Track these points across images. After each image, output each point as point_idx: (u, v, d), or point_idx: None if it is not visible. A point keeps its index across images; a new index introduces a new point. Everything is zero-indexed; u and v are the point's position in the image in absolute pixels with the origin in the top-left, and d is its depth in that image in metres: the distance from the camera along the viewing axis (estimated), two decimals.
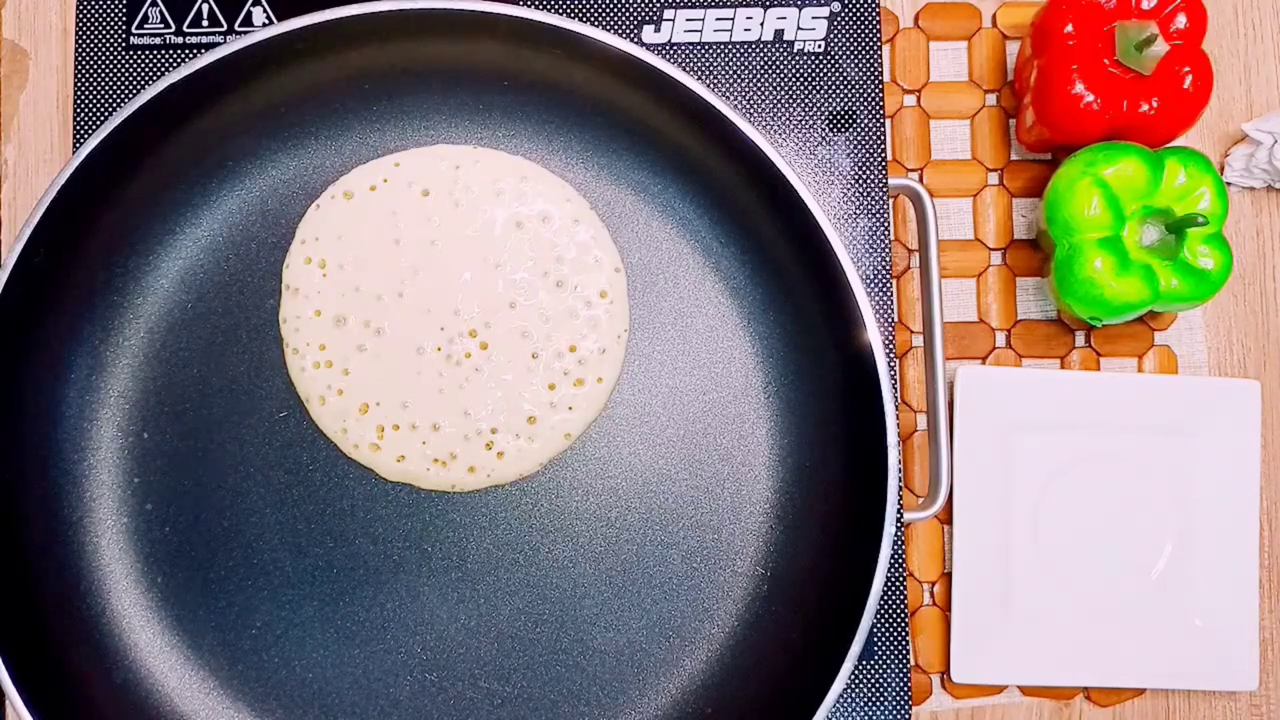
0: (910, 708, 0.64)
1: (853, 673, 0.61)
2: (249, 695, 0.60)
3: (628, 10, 0.66)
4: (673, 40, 0.66)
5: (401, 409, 0.61)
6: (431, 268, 0.61)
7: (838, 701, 0.62)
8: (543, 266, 0.62)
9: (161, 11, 0.66)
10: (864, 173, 0.65)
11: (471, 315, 0.61)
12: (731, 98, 0.66)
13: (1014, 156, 0.70)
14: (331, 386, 0.61)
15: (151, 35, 0.66)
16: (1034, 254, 0.69)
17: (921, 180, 0.69)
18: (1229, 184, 0.69)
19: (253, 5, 0.66)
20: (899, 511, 0.58)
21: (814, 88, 0.66)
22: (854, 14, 0.66)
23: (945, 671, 0.67)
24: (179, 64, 0.64)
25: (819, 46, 0.66)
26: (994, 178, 0.70)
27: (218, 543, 0.61)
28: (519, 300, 0.61)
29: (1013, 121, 0.70)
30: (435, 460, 0.61)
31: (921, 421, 0.68)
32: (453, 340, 0.61)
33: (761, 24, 0.66)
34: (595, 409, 0.62)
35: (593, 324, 0.62)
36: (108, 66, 0.65)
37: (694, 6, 0.66)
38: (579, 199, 0.62)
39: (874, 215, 0.65)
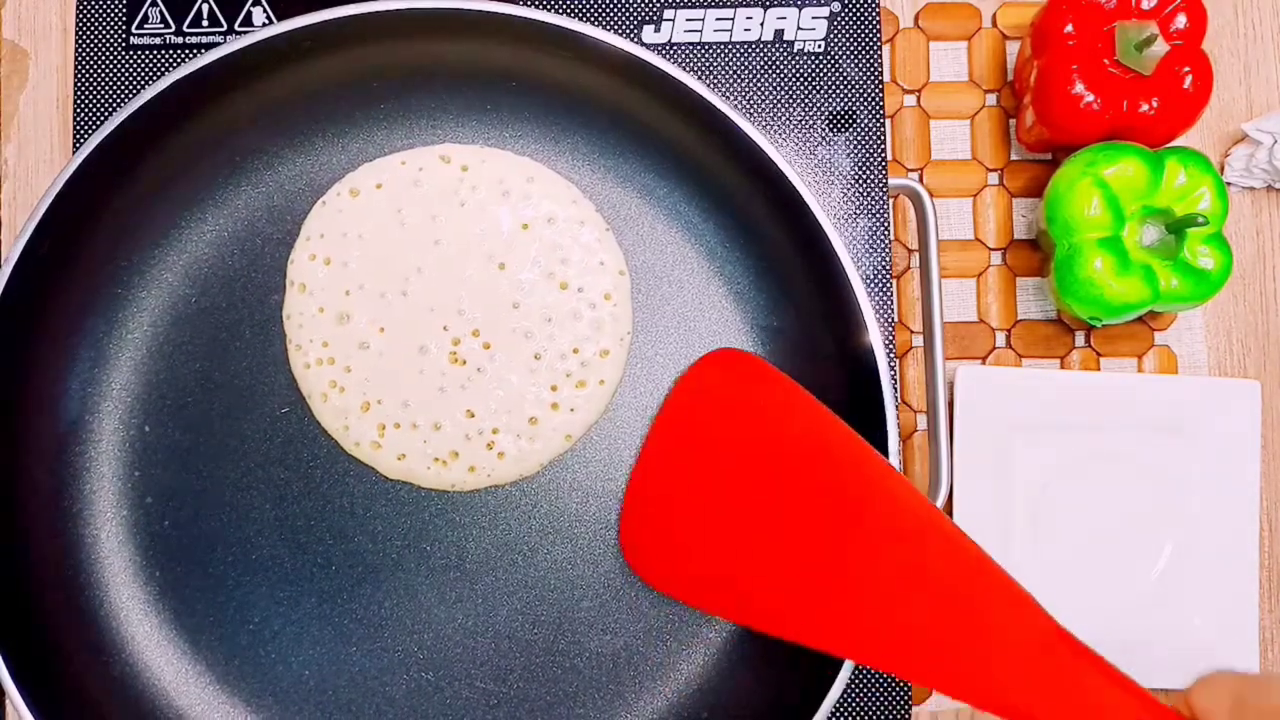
0: (910, 708, 0.63)
1: (853, 673, 0.61)
2: (245, 690, 0.60)
3: (628, 10, 0.66)
4: (673, 40, 0.66)
5: (403, 408, 0.61)
6: (436, 267, 0.61)
7: (838, 701, 0.62)
8: (547, 268, 0.62)
9: (161, 11, 0.66)
10: (864, 173, 0.65)
11: (475, 315, 0.61)
12: (731, 98, 0.66)
13: (1014, 156, 0.70)
14: (334, 383, 0.61)
15: (151, 35, 0.66)
16: (1034, 254, 0.69)
17: (921, 180, 0.69)
18: (1229, 184, 0.69)
19: (253, 5, 0.66)
20: None
21: (814, 88, 0.66)
22: (854, 14, 0.66)
23: None
24: (179, 64, 0.64)
25: (819, 46, 0.66)
26: (994, 178, 0.70)
27: (217, 537, 0.61)
28: (523, 301, 0.61)
29: (1013, 121, 0.70)
30: (436, 459, 0.61)
31: (921, 421, 0.68)
32: (456, 340, 0.61)
33: (761, 24, 0.66)
34: (597, 411, 0.62)
35: (596, 326, 0.62)
36: (108, 66, 0.65)
37: (694, 6, 0.66)
38: (585, 201, 0.62)
39: (874, 215, 0.65)
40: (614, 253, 0.62)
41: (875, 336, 0.57)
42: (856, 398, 0.58)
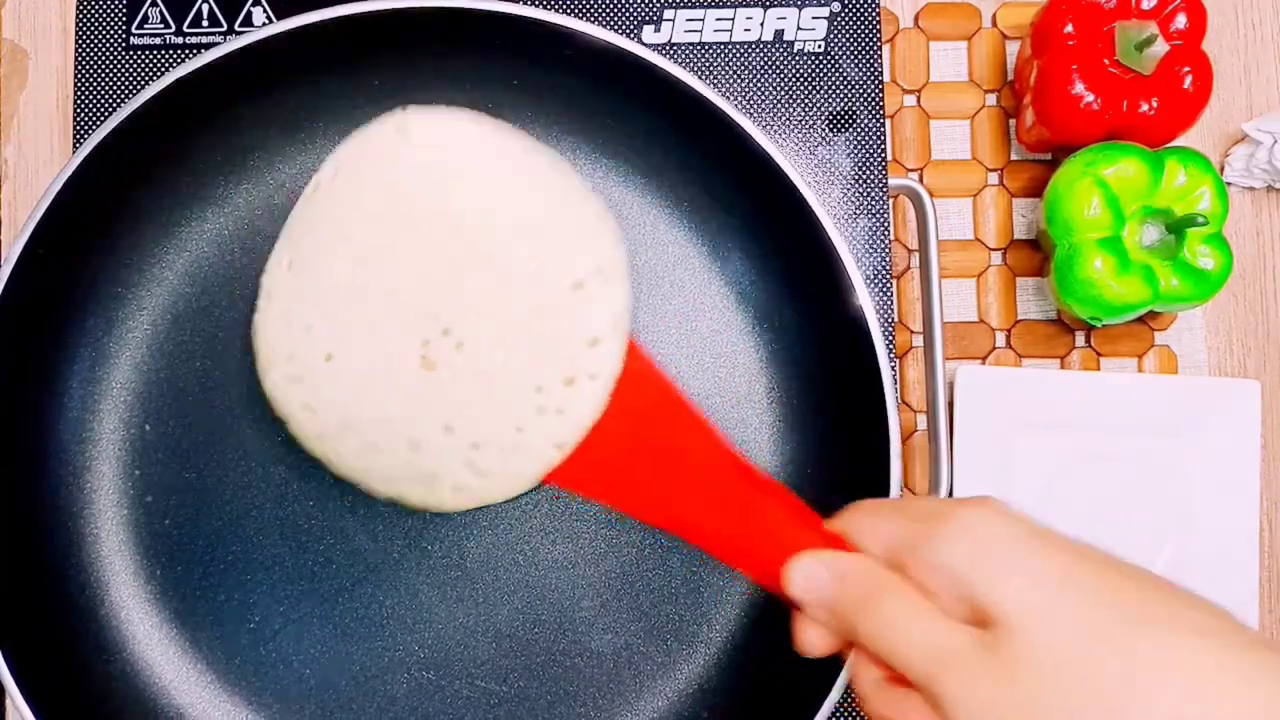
0: None
1: None
2: (246, 689, 0.60)
3: (628, 10, 0.66)
4: (673, 40, 0.66)
5: (376, 425, 0.53)
6: (405, 259, 0.52)
7: (838, 701, 0.62)
8: (535, 258, 0.53)
9: (161, 11, 0.66)
10: (864, 173, 0.65)
11: (449, 313, 0.52)
12: (731, 98, 0.66)
13: (1014, 156, 0.70)
14: (307, 405, 0.54)
15: (151, 35, 0.66)
16: (1034, 254, 0.69)
17: (921, 180, 0.69)
18: (1229, 184, 0.69)
19: (253, 5, 0.66)
20: None
21: (814, 88, 0.66)
22: (854, 14, 0.66)
23: None
24: (179, 63, 0.64)
25: (819, 46, 0.66)
26: (994, 178, 0.70)
27: (217, 537, 0.61)
28: (503, 291, 0.52)
29: (1013, 121, 0.70)
30: (418, 481, 0.54)
31: (921, 421, 0.68)
32: (425, 341, 0.52)
33: (761, 24, 0.66)
34: (589, 411, 0.52)
35: (585, 308, 0.53)
36: (108, 66, 0.65)
37: (694, 6, 0.66)
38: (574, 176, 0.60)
39: (874, 215, 0.65)
40: (606, 222, 0.54)
41: (875, 336, 0.57)
42: (856, 398, 0.58)
